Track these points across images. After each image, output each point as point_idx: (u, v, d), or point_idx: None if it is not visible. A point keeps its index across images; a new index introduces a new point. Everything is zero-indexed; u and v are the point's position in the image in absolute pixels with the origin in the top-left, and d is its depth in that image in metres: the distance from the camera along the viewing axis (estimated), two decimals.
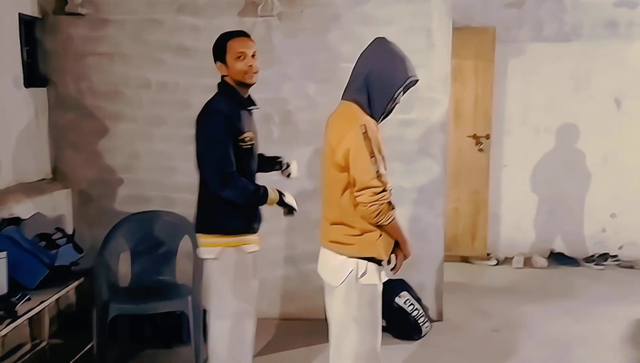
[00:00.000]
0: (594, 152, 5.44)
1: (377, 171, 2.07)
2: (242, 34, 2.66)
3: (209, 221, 2.66)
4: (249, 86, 2.65)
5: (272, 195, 2.65)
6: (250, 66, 2.60)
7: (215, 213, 2.63)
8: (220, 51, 2.63)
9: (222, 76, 2.65)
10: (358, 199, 2.10)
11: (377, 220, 2.11)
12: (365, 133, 2.07)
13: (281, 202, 2.69)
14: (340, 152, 2.12)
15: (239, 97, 2.64)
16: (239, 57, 2.58)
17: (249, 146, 2.62)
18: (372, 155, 2.07)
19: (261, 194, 2.61)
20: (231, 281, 2.66)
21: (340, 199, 2.18)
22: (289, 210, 2.75)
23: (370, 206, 2.07)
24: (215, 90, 2.68)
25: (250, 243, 2.70)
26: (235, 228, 2.65)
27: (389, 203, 2.11)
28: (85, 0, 3.78)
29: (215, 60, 2.65)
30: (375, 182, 2.07)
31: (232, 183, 2.53)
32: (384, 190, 2.08)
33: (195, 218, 2.71)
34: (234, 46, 2.60)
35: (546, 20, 5.32)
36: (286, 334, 3.81)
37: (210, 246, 2.65)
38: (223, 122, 2.52)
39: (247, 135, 2.60)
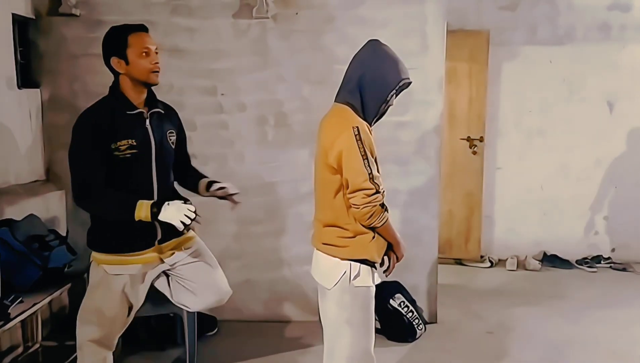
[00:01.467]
0: (587, 154, 5.47)
1: (370, 173, 2.07)
2: (143, 28, 2.38)
3: (88, 232, 2.53)
4: (149, 86, 2.41)
5: (141, 212, 2.27)
6: (156, 63, 2.36)
7: (91, 225, 2.52)
8: (118, 44, 2.32)
9: (117, 75, 2.37)
10: (351, 201, 2.10)
11: (370, 222, 2.11)
12: (357, 135, 2.08)
13: (155, 219, 2.30)
14: (333, 154, 2.12)
15: (124, 100, 2.39)
16: (144, 53, 2.32)
17: (128, 156, 2.33)
18: (365, 157, 2.07)
19: (126, 209, 2.29)
20: (87, 301, 2.49)
21: (333, 201, 2.18)
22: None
23: (363, 208, 2.08)
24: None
25: (115, 263, 2.44)
26: (100, 244, 2.47)
27: (382, 205, 2.11)
28: (79, 1, 3.77)
29: (111, 55, 2.33)
30: (368, 184, 2.07)
31: (91, 195, 2.30)
32: (376, 192, 2.08)
33: None
34: (137, 40, 2.32)
35: (540, 23, 5.35)
36: (280, 337, 3.81)
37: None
38: (88, 129, 2.31)
39: (124, 142, 2.32)
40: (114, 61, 2.34)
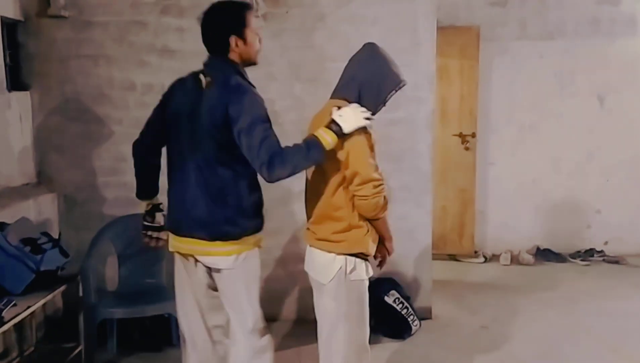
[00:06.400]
0: (579, 149, 5.50)
1: (376, 165, 2.13)
2: (251, 6, 2.28)
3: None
4: (252, 65, 2.30)
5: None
6: (260, 42, 2.26)
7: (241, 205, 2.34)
8: (239, 22, 2.18)
9: (225, 53, 2.21)
10: (359, 193, 2.12)
11: (376, 213, 2.15)
12: (363, 128, 2.12)
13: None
14: (340, 148, 2.12)
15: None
16: (256, 33, 2.23)
17: None
18: (372, 149, 2.13)
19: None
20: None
21: (331, 194, 2.19)
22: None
23: (372, 198, 2.11)
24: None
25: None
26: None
27: (384, 196, 2.15)
28: (68, 2, 3.74)
29: (231, 33, 2.17)
30: (376, 175, 2.12)
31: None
32: (382, 183, 2.12)
33: None
34: (252, 20, 2.20)
35: (530, 18, 5.37)
36: (275, 335, 3.79)
37: None
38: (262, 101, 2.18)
39: None
40: (232, 40, 2.18)
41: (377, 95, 2.20)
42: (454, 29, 5.20)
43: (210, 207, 2.20)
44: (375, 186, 2.10)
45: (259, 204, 2.32)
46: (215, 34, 2.21)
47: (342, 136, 2.07)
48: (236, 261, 2.26)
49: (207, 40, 2.25)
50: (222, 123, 2.12)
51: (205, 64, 2.29)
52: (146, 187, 2.52)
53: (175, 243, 2.33)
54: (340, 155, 2.14)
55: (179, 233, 2.30)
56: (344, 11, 3.81)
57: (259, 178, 2.19)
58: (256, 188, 2.31)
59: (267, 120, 2.13)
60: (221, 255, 2.24)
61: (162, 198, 2.53)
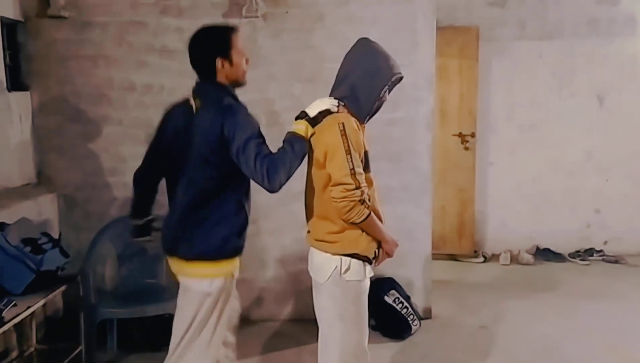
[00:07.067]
0: (578, 148, 5.51)
1: (352, 169, 2.09)
2: (236, 29, 2.33)
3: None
4: (240, 86, 2.36)
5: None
6: (247, 63, 2.34)
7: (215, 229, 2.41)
8: (224, 44, 2.24)
9: (212, 76, 2.26)
10: (331, 194, 2.13)
11: (348, 217, 2.12)
12: (342, 130, 2.11)
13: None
14: (320, 149, 2.16)
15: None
16: (243, 54, 2.29)
17: None
18: (348, 152, 2.09)
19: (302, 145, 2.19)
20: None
21: (322, 195, 2.20)
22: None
23: (340, 202, 2.10)
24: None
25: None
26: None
27: (363, 201, 2.12)
28: (68, 3, 3.75)
29: (216, 56, 2.23)
30: (348, 179, 2.08)
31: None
32: (356, 188, 2.09)
33: None
34: (238, 41, 2.27)
35: (529, 18, 5.38)
36: (277, 335, 3.81)
37: None
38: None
39: None
40: (218, 62, 2.24)
41: (370, 91, 2.19)
42: (453, 29, 5.20)
43: (191, 227, 2.28)
44: (346, 190, 2.08)
45: (241, 228, 2.36)
46: (202, 56, 2.28)
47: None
48: (210, 286, 2.28)
49: (194, 63, 2.31)
50: (216, 144, 2.18)
51: (194, 89, 2.34)
52: (141, 210, 2.60)
53: (169, 261, 2.43)
54: (320, 156, 2.16)
55: (166, 251, 2.41)
56: (343, 11, 3.81)
57: (256, 187, 2.27)
58: (240, 212, 2.35)
59: (260, 135, 2.24)
60: (194, 277, 2.30)
61: None
